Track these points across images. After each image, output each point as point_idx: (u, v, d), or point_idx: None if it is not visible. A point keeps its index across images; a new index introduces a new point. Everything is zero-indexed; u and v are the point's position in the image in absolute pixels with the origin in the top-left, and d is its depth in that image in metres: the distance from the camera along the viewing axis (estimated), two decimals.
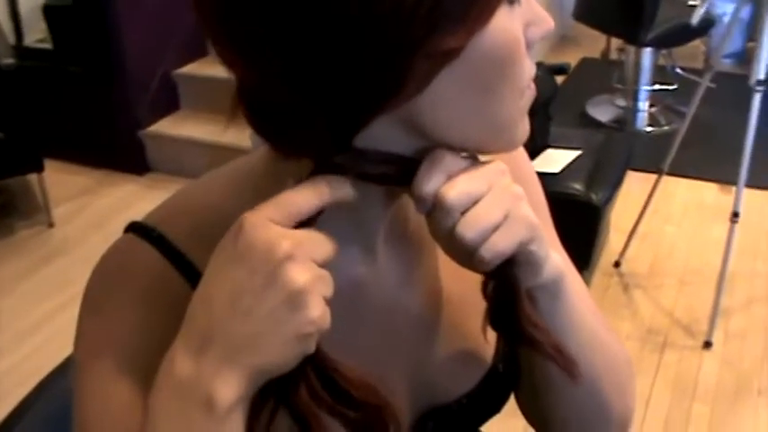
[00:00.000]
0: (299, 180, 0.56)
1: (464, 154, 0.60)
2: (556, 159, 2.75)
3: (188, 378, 0.53)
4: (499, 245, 0.57)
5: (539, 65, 2.89)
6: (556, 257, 0.65)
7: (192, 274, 0.62)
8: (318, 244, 0.54)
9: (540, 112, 2.80)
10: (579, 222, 2.65)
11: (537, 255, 0.61)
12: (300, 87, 0.52)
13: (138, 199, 3.71)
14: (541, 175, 2.91)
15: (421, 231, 0.69)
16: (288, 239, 0.52)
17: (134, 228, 0.65)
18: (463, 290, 0.72)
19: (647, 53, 4.29)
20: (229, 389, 0.52)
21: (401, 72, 0.51)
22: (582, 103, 4.49)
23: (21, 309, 2.97)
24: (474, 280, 0.63)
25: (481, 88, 0.56)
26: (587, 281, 2.92)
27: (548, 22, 0.59)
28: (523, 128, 0.61)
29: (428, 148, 0.59)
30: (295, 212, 0.54)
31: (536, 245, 0.61)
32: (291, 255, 0.51)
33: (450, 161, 0.58)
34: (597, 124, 4.29)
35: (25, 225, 3.64)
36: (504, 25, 0.54)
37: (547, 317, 0.65)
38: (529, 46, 0.58)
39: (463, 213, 0.57)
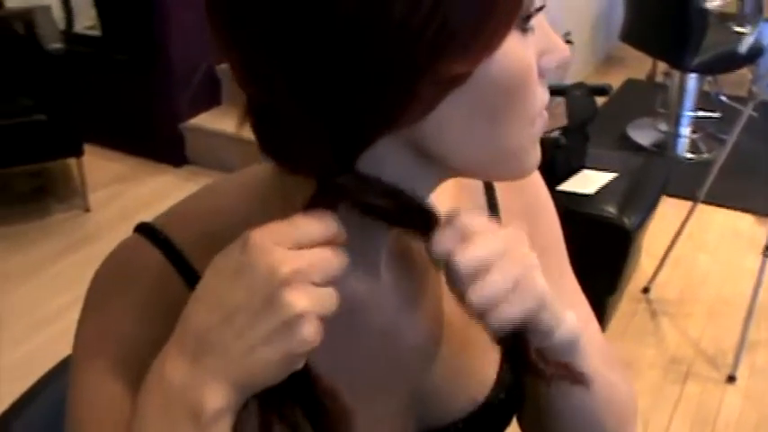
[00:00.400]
0: (305, 200, 0.56)
1: (482, 214, 0.60)
2: (591, 180, 2.74)
3: (179, 383, 0.53)
4: (505, 314, 0.57)
5: (579, 85, 2.89)
6: (570, 320, 0.64)
7: (193, 280, 0.62)
8: (322, 263, 0.54)
9: (578, 133, 2.79)
10: (610, 245, 2.64)
11: (547, 323, 0.61)
12: (303, 104, 0.52)
13: (173, 189, 3.75)
14: (575, 196, 2.90)
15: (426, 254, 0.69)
16: (287, 266, 0.52)
17: (142, 228, 0.66)
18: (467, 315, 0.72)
19: (693, 78, 4.25)
20: (217, 399, 0.52)
21: (405, 95, 0.51)
22: (623, 125, 4.46)
23: (51, 290, 2.99)
24: None
25: (489, 114, 0.55)
26: (614, 305, 2.90)
27: (563, 51, 0.58)
28: (534, 156, 0.61)
29: (432, 179, 0.59)
30: (303, 241, 0.54)
31: (546, 313, 0.60)
32: (290, 280, 0.51)
33: (468, 221, 0.57)
34: (637, 147, 4.26)
35: (62, 208, 3.70)
36: (515, 52, 0.53)
37: None
38: (542, 74, 0.57)
39: (474, 278, 0.56)
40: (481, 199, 0.78)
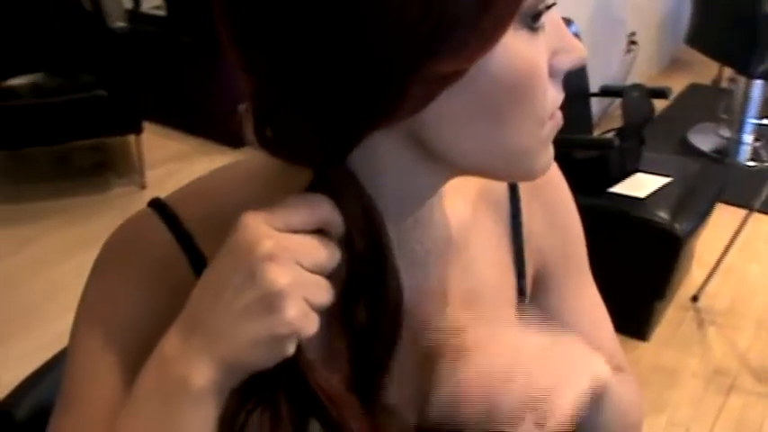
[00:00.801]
0: (303, 188, 0.56)
1: None
2: (644, 184, 2.70)
3: (171, 357, 0.54)
4: None
5: (637, 86, 2.86)
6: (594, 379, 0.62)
7: (196, 258, 0.63)
8: (310, 249, 0.53)
9: (633, 135, 2.76)
10: (659, 251, 2.61)
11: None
12: (292, 95, 0.52)
13: None
14: (626, 199, 2.86)
15: (435, 253, 0.68)
16: (272, 240, 0.51)
17: (155, 204, 0.67)
18: (476, 323, 0.70)
19: (758, 85, 4.15)
20: (204, 373, 0.52)
21: (395, 92, 0.50)
22: (684, 129, 4.38)
23: None
24: (489, 306, 0.63)
25: (490, 113, 0.53)
26: (661, 311, 2.87)
27: (577, 52, 0.56)
28: (545, 158, 0.59)
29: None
30: (293, 223, 0.53)
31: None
32: (273, 255, 0.51)
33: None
34: (697, 153, 4.18)
35: (119, 184, 3.78)
36: (520, 51, 0.52)
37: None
38: (554, 74, 0.56)
39: None
40: (504, 204, 0.77)
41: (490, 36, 0.50)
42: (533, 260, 0.78)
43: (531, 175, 0.60)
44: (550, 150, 0.60)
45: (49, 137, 3.64)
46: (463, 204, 0.72)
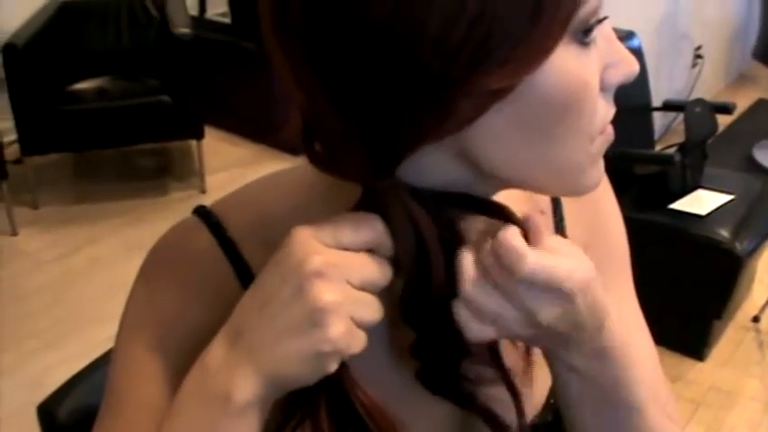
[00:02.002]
0: (352, 202, 0.56)
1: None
2: (705, 201, 2.66)
3: (215, 366, 0.54)
4: (507, 332, 0.57)
5: (700, 101, 2.81)
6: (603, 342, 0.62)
7: (240, 266, 0.64)
8: (360, 266, 0.53)
9: (696, 151, 2.71)
10: (719, 270, 2.56)
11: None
12: (341, 109, 0.52)
13: None
14: (687, 216, 2.80)
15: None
16: (321, 256, 0.52)
17: (199, 211, 0.67)
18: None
19: None
20: (246, 386, 0.52)
21: (442, 107, 0.49)
22: (750, 146, 4.28)
23: None
24: None
25: (539, 129, 0.53)
26: (721, 331, 2.81)
27: (629, 65, 0.55)
28: (594, 174, 0.58)
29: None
30: (344, 240, 0.53)
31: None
32: (321, 272, 0.51)
33: (549, 235, 0.57)
34: (762, 170, 4.08)
35: (179, 188, 3.84)
36: (570, 67, 0.51)
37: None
38: (605, 88, 0.55)
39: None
40: (548, 210, 0.76)
41: (539, 52, 0.49)
42: None
43: (580, 191, 0.59)
44: (600, 165, 0.59)
45: (112, 140, 3.72)
46: (515, 207, 0.72)
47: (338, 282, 0.52)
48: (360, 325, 0.53)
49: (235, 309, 0.55)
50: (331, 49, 0.50)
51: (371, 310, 0.53)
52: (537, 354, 0.65)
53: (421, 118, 0.50)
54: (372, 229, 0.54)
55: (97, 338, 2.40)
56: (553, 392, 0.75)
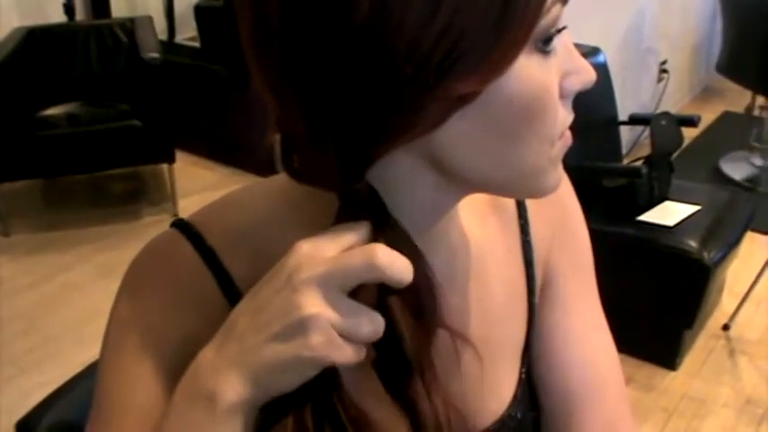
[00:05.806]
0: (327, 212, 0.57)
1: None
2: (672, 212, 2.70)
3: (204, 367, 0.56)
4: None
5: (665, 115, 2.85)
6: None
7: (221, 274, 0.65)
8: (355, 278, 0.54)
9: (662, 163, 2.75)
10: (688, 280, 2.59)
11: None
12: (312, 115, 0.54)
13: None
14: (655, 228, 2.84)
15: (449, 265, 0.69)
16: (317, 268, 0.53)
17: (178, 224, 0.68)
18: (489, 332, 0.72)
19: None
20: (232, 389, 0.54)
21: (410, 111, 0.52)
22: (716, 158, 4.35)
23: None
24: (501, 322, 0.63)
25: (502, 133, 0.55)
26: (691, 340, 2.85)
27: (587, 74, 0.58)
28: (554, 177, 0.61)
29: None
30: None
31: None
32: (312, 282, 0.53)
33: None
34: (729, 181, 4.15)
35: (152, 212, 3.83)
36: (532, 73, 0.53)
37: None
38: (564, 95, 0.57)
39: None
40: (513, 216, 0.78)
41: (504, 60, 0.51)
42: (541, 272, 0.79)
43: (540, 192, 0.62)
44: (560, 169, 0.62)
45: (83, 165, 3.71)
46: (476, 219, 0.74)
47: (330, 292, 0.53)
48: (351, 338, 0.53)
49: (230, 313, 0.57)
50: (307, 57, 0.52)
51: (362, 323, 0.54)
52: (501, 348, 0.66)
53: (392, 121, 0.53)
54: (362, 238, 0.55)
55: (73, 363, 2.37)
56: (521, 387, 0.76)
